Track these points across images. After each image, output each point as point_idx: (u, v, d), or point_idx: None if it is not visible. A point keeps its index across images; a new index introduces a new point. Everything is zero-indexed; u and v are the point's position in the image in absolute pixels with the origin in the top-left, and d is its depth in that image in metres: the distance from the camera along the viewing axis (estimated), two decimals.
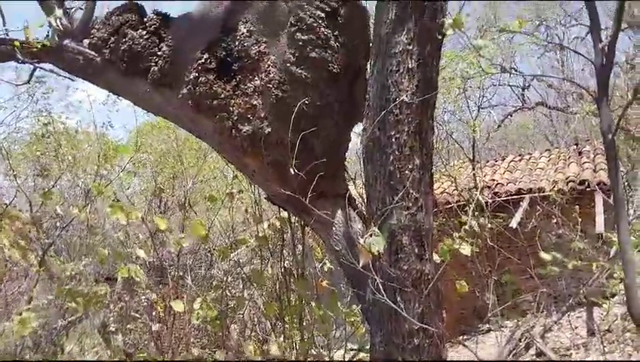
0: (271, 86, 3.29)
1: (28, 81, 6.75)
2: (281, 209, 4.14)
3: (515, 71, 12.71)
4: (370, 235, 2.47)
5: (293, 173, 3.27)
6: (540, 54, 14.47)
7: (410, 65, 2.62)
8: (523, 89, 15.30)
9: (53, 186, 8.46)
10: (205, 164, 10.95)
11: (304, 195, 3.33)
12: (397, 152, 2.62)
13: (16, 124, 11.98)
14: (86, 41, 3.99)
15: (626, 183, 9.73)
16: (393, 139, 2.63)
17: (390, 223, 2.60)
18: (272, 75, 3.31)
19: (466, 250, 3.46)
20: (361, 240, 2.56)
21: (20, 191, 7.97)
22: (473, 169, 9.45)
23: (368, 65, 3.44)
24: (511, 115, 16.19)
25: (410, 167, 2.61)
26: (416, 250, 2.61)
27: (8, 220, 4.32)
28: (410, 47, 2.63)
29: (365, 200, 2.86)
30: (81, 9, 5.05)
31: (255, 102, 3.35)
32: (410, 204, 2.60)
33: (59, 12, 3.60)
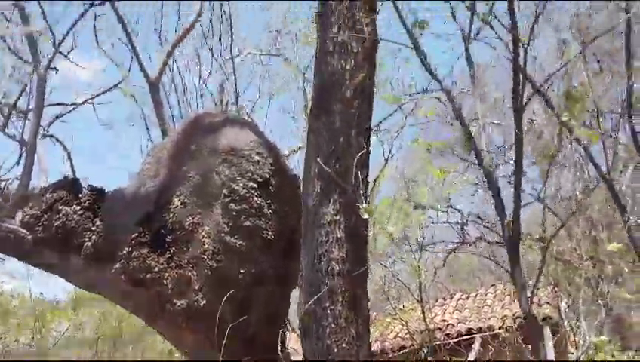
0: (205, 257, 3.29)
1: None
2: None
3: (452, 207, 13.17)
4: None
5: (230, 346, 3.16)
6: (473, 192, 15.17)
7: (338, 235, 2.69)
8: (462, 225, 15.82)
9: None
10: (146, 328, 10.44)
11: None
12: (333, 324, 2.59)
13: None
14: (18, 218, 3.94)
15: (572, 314, 9.85)
16: (328, 311, 2.62)
17: None
18: (206, 245, 3.32)
19: None
20: None
21: None
22: (422, 311, 9.39)
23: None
24: (454, 252, 16.49)
25: (346, 339, 2.57)
26: None
27: None
28: (338, 218, 2.72)
29: None
30: (18, 179, 5.07)
31: (189, 274, 3.32)
32: None
33: None
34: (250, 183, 3.40)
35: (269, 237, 3.35)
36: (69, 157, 6.82)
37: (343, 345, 2.57)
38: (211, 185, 3.46)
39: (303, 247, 2.87)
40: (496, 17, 2.70)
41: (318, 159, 2.79)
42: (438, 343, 9.25)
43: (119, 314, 10.46)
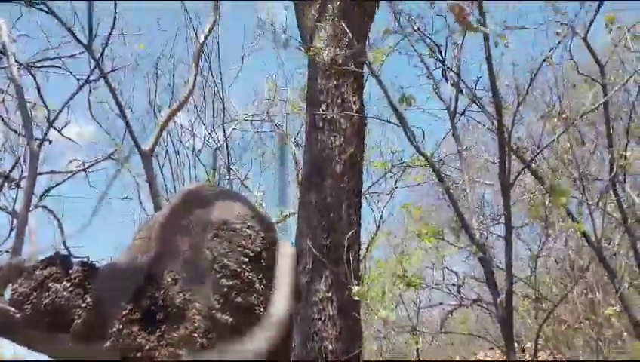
0: (196, 335, 3.23)
1: None
2: None
3: (448, 269, 13.11)
4: None
5: None
6: (466, 257, 15.15)
7: (331, 313, 2.68)
8: (458, 287, 15.68)
9: None
10: None
11: None
12: None
13: None
14: (7, 295, 3.89)
15: None
16: None
17: None
18: (197, 323, 3.25)
19: None
20: None
21: None
22: None
23: None
24: (451, 314, 16.27)
25: None
26: None
27: None
28: (330, 295, 2.71)
29: None
30: (8, 252, 5.02)
31: (180, 353, 3.25)
32: None
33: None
34: (242, 258, 3.37)
35: (261, 313, 3.31)
36: (60, 228, 6.78)
37: None
38: (203, 260, 3.44)
39: (295, 325, 2.84)
40: (478, 100, 2.79)
41: (309, 238, 2.81)
42: None
43: None
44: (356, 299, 2.67)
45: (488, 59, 2.49)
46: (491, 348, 13.13)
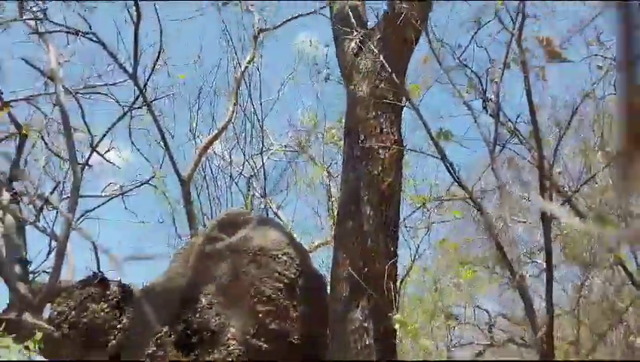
0: (230, 360, 3.25)
1: None
2: None
3: (479, 308, 12.87)
4: None
5: None
6: (500, 293, 14.85)
7: (367, 342, 2.67)
8: (490, 327, 15.34)
9: None
10: None
11: None
12: None
13: None
14: (46, 314, 3.97)
15: None
16: None
17: None
18: (231, 347, 3.29)
19: None
20: None
21: None
22: None
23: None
24: (482, 353, 15.89)
25: None
26: None
27: None
28: (366, 324, 2.70)
29: None
30: (46, 272, 5.15)
31: None
32: None
33: (38, 336, 3.60)
34: (277, 284, 3.42)
35: (294, 341, 3.32)
36: (96, 252, 6.90)
37: None
38: (238, 285, 3.49)
39: (331, 354, 2.84)
40: (518, 132, 2.79)
41: (345, 267, 2.82)
42: None
43: None
44: (393, 328, 2.66)
45: (528, 92, 2.51)
46: None
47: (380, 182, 2.91)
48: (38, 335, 3.54)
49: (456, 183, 2.86)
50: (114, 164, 6.25)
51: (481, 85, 3.13)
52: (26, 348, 3.99)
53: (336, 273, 2.92)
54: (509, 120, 2.79)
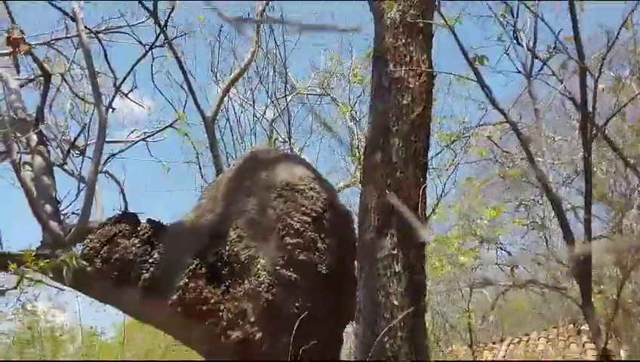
0: (261, 289, 3.31)
1: (16, 287, 6.72)
2: None
3: (502, 249, 12.91)
4: None
5: None
6: (523, 234, 14.84)
7: (396, 269, 2.68)
8: (512, 267, 15.40)
9: None
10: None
11: None
12: (392, 359, 2.56)
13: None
14: (79, 252, 4.07)
15: None
16: (387, 345, 2.59)
17: None
18: (262, 278, 3.35)
19: None
20: None
21: None
22: (473, 354, 9.14)
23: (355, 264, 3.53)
24: (503, 294, 16.05)
25: None
26: None
27: None
28: (395, 252, 2.71)
29: None
30: (76, 213, 5.24)
31: (245, 307, 3.34)
32: None
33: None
34: (305, 218, 3.44)
35: (323, 271, 3.36)
36: (122, 193, 7.00)
37: None
38: (267, 219, 3.51)
39: (360, 281, 2.87)
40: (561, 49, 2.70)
41: (375, 197, 2.81)
42: None
43: (166, 346, 10.52)
44: (423, 254, 2.66)
45: (573, 17, 2.40)
46: (545, 329, 12.90)
47: (409, 112, 2.86)
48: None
49: (487, 111, 2.80)
50: (138, 103, 6.26)
51: (512, 15, 3.03)
52: (59, 280, 4.12)
53: (365, 204, 2.91)
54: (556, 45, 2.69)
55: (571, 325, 11.91)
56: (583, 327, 11.21)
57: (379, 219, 2.80)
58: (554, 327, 12.95)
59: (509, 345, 11.61)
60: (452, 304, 10.77)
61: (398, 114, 2.88)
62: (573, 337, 10.83)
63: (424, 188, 2.81)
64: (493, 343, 12.32)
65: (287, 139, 7.05)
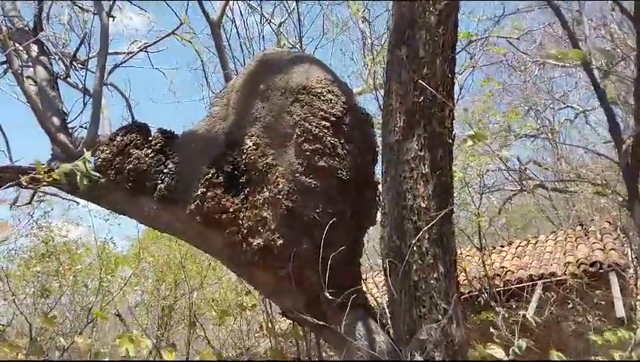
0: (280, 197, 3.24)
1: (29, 202, 6.73)
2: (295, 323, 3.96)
3: (512, 156, 12.84)
4: None
5: (308, 285, 3.16)
6: (533, 139, 14.76)
7: (423, 171, 2.59)
8: (521, 172, 15.41)
9: (52, 308, 8.22)
10: (210, 271, 10.77)
11: (319, 308, 3.20)
12: (419, 261, 2.52)
13: (15, 242, 11.86)
14: (91, 163, 3.98)
15: None
16: (414, 248, 2.55)
17: (420, 339, 2.45)
18: (280, 185, 3.27)
19: (499, 353, 3.23)
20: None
21: (19, 314, 7.74)
22: (482, 257, 9.28)
23: (377, 169, 3.44)
24: (510, 199, 16.19)
25: (435, 276, 2.50)
26: None
27: (7, 349, 4.10)
28: (422, 153, 2.60)
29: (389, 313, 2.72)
30: (83, 127, 5.12)
31: (265, 214, 3.29)
32: (440, 316, 2.47)
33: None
34: (323, 122, 3.30)
35: (344, 177, 3.27)
36: (128, 105, 6.85)
37: (431, 282, 2.50)
38: (283, 125, 3.38)
39: (385, 185, 2.79)
40: None
41: (399, 96, 2.66)
42: (497, 289, 9.14)
43: (183, 255, 10.75)
44: (451, 156, 2.56)
45: None
46: (553, 232, 13.08)
47: (436, 1, 2.64)
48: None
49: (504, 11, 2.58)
50: (142, 9, 5.94)
51: None
52: (73, 191, 4.07)
53: (389, 103, 2.77)
54: None
55: (579, 227, 12.04)
56: (591, 229, 11.33)
57: (404, 119, 2.66)
58: (561, 230, 13.13)
59: (517, 248, 11.80)
60: (460, 208, 10.83)
61: (424, 5, 2.66)
62: (581, 238, 10.96)
63: (452, 86, 2.66)
64: (502, 246, 12.53)
65: (295, 44, 6.75)
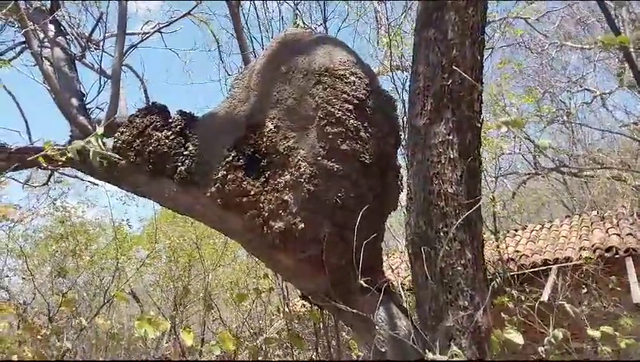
0: (302, 180, 3.21)
1: (46, 183, 6.77)
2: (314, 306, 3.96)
3: (528, 139, 12.76)
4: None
5: (330, 269, 3.14)
6: (547, 123, 14.59)
7: (452, 156, 2.54)
8: (535, 156, 15.32)
9: (70, 288, 8.30)
10: (225, 251, 10.81)
11: (341, 292, 3.18)
12: (447, 247, 2.49)
13: (31, 222, 11.97)
14: (109, 144, 3.97)
15: None
16: (441, 233, 2.51)
17: (446, 325, 2.43)
18: (302, 169, 3.24)
19: (517, 338, 3.22)
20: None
21: (37, 293, 7.82)
22: (496, 241, 9.24)
23: (398, 153, 3.39)
24: (524, 183, 16.11)
25: (462, 262, 2.47)
26: (477, 355, 2.42)
27: (28, 333, 4.15)
28: (450, 137, 2.56)
29: (416, 300, 2.69)
30: (100, 109, 5.11)
31: (286, 198, 3.27)
32: (467, 303, 2.45)
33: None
34: (346, 105, 3.25)
35: (366, 160, 3.23)
36: (144, 86, 6.83)
37: (458, 268, 2.48)
38: (305, 107, 3.34)
39: (412, 169, 2.74)
40: None
41: (427, 78, 2.60)
42: (512, 273, 9.11)
43: (197, 237, 10.80)
44: (479, 140, 2.51)
45: None
46: (567, 216, 12.98)
47: None
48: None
49: None
50: None
51: None
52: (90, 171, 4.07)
53: (416, 86, 2.71)
54: None
55: (594, 212, 11.95)
56: (606, 214, 11.23)
57: (432, 102, 2.61)
58: (577, 214, 13.03)
59: (531, 232, 11.73)
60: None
61: None
62: (596, 223, 10.87)
63: (481, 69, 2.60)
64: (516, 231, 12.47)
65: (313, 25, 6.65)
